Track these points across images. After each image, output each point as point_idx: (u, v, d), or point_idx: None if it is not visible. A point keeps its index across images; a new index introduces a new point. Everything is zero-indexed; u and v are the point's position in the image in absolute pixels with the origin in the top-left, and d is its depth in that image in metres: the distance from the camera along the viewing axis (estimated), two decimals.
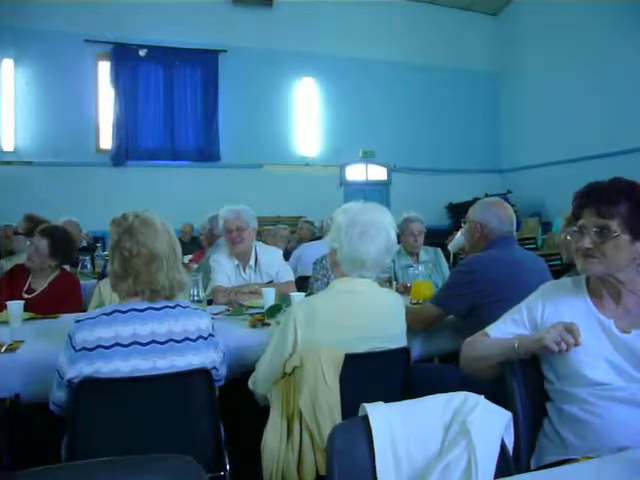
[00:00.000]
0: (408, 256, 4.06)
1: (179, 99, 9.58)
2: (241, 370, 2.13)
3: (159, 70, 9.48)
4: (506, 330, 1.66)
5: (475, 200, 10.85)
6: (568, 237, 1.59)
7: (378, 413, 1.16)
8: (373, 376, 1.83)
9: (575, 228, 1.54)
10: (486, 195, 10.20)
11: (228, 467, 1.77)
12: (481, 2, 11.00)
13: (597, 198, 1.50)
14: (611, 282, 1.53)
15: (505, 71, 11.35)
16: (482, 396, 1.22)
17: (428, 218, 4.72)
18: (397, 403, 1.22)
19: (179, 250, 1.83)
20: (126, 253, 1.70)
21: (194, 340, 1.73)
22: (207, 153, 9.58)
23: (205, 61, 9.64)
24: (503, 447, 1.19)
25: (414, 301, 2.86)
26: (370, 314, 1.88)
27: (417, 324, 2.45)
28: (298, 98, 10.19)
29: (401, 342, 1.95)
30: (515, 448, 1.39)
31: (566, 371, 1.51)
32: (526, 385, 1.60)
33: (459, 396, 1.22)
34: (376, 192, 10.60)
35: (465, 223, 2.64)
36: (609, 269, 1.50)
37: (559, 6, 9.72)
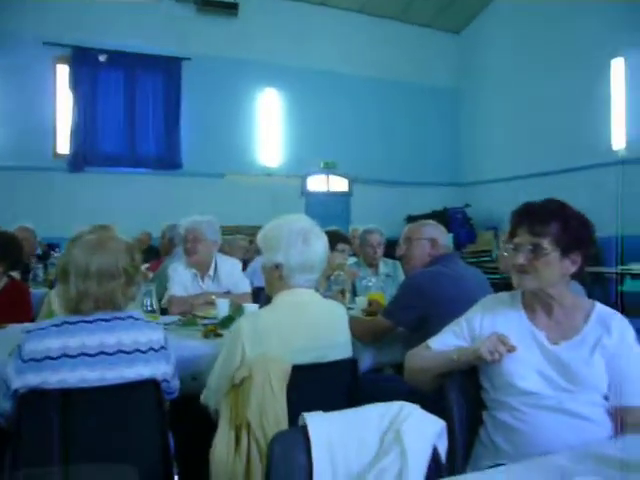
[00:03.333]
0: (367, 268, 4.11)
1: (140, 105, 9.45)
2: (192, 381, 2.14)
3: (120, 75, 9.32)
4: (447, 342, 1.74)
5: (434, 213, 10.91)
6: (505, 253, 1.69)
7: (316, 422, 1.21)
8: (321, 387, 1.86)
9: (511, 245, 1.63)
10: (445, 208, 10.39)
11: (177, 477, 1.78)
12: (443, 20, 11.27)
13: (530, 217, 1.60)
14: (543, 297, 1.62)
15: (465, 87, 11.62)
16: (417, 405, 1.28)
17: (389, 230, 4.80)
18: (337, 412, 1.27)
19: (138, 264, 1.83)
20: (80, 271, 1.68)
21: (144, 352, 1.73)
22: (168, 161, 9.47)
23: (168, 68, 9.56)
24: (437, 454, 1.26)
25: (365, 313, 2.93)
26: (315, 323, 1.93)
27: (367, 336, 2.52)
28: (261, 108, 10.21)
29: (347, 350, 2.00)
30: (452, 455, 1.46)
31: (500, 381, 1.59)
32: (464, 395, 1.67)
33: (396, 405, 1.28)
34: (337, 203, 10.69)
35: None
36: (541, 284, 1.59)
37: (520, 25, 10.04)
